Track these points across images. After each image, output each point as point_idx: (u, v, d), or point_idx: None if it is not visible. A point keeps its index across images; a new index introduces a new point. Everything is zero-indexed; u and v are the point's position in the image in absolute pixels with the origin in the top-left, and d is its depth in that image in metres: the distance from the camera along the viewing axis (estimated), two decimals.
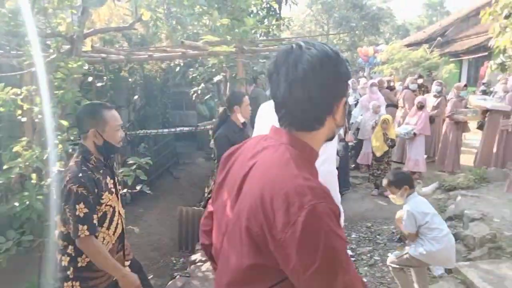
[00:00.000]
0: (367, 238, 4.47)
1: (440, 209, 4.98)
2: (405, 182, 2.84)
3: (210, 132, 6.37)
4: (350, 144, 7.05)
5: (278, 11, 7.00)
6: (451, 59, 14.21)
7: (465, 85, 8.02)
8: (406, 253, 2.87)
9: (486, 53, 11.43)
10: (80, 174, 1.91)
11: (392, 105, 7.65)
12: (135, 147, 8.90)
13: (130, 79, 7.25)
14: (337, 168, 4.62)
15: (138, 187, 3.47)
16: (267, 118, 2.47)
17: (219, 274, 1.10)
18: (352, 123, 6.71)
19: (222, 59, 4.96)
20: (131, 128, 8.92)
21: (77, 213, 1.85)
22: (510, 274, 2.91)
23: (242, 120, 3.24)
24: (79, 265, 1.98)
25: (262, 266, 0.95)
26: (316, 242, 0.84)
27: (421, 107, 6.39)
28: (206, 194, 6.23)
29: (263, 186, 0.93)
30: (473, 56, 13.49)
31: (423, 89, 9.82)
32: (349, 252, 4.07)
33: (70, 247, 1.97)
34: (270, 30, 7.14)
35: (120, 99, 8.87)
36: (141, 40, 7.39)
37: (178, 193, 8.97)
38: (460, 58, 14.42)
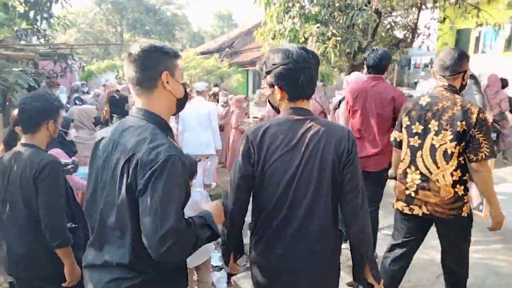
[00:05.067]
0: None
1: None
2: None
3: None
4: None
5: (47, 9, 5.97)
6: (239, 69, 15.77)
7: (245, 97, 8.88)
8: None
9: None
10: None
11: None
12: None
13: None
14: None
15: None
16: None
17: None
18: None
19: None
20: None
21: (492, 136, 2.11)
22: None
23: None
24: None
25: None
26: None
27: None
28: None
29: None
30: (256, 67, 15.29)
31: (217, 97, 10.36)
32: None
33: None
34: (40, 30, 6.06)
35: None
36: None
37: None
38: (246, 68, 16.16)
